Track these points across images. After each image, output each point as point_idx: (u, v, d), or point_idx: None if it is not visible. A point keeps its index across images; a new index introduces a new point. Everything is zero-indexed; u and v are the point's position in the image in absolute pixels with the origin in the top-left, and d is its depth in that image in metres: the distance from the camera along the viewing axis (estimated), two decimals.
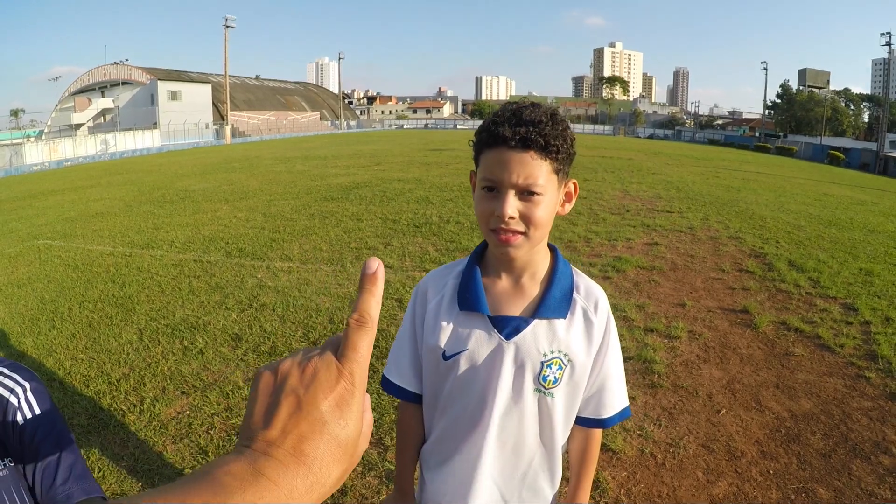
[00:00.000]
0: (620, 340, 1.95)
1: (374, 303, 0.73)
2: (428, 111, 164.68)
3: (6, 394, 1.72)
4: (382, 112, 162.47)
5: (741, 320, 7.41)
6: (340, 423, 0.66)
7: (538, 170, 1.64)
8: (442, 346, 1.87)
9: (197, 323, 8.07)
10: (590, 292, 1.90)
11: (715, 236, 11.85)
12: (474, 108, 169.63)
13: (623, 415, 1.96)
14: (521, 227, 1.67)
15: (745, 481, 4.41)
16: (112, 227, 16.04)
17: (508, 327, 1.80)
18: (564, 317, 1.82)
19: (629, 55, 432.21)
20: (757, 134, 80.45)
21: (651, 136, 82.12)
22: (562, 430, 1.91)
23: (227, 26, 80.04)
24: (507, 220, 1.65)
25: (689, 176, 21.42)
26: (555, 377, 1.80)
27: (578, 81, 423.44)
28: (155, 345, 7.49)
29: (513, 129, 1.63)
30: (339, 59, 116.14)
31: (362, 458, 4.80)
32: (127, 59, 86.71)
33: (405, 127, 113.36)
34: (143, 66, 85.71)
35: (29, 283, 10.95)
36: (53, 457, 1.69)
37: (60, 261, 12.46)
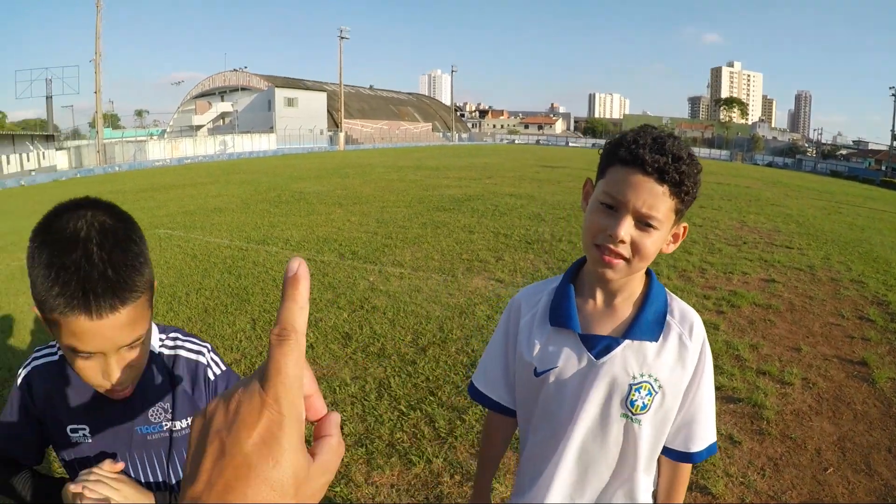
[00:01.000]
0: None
1: (297, 311, 0.63)
2: (539, 127, 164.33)
3: (196, 357, 1.78)
4: (494, 126, 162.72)
5: (858, 373, 6.88)
6: (269, 462, 0.56)
7: (663, 203, 1.59)
8: (534, 362, 1.83)
9: (308, 319, 7.97)
10: (685, 316, 1.80)
11: (836, 278, 11.12)
12: (587, 126, 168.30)
13: (711, 450, 1.84)
14: (627, 253, 1.62)
15: None
16: (229, 222, 16.48)
17: (598, 346, 1.74)
18: (656, 340, 1.73)
19: (748, 76, 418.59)
20: (883, 168, 75.78)
21: (770, 164, 79.32)
22: (645, 460, 1.79)
23: (342, 37, 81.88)
24: (617, 241, 1.60)
25: (810, 210, 20.59)
26: (643, 403, 1.71)
27: (694, 102, 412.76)
28: (267, 335, 7.50)
29: (653, 155, 1.56)
30: (452, 71, 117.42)
31: (460, 468, 4.72)
32: (246, 67, 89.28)
33: (516, 142, 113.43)
34: (260, 73, 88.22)
35: None
36: None
37: (179, 249, 12.85)
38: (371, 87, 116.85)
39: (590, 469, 1.78)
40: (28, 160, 50.11)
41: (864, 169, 73.57)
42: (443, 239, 13.25)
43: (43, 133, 56.81)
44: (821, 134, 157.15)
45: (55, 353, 1.67)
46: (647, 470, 1.80)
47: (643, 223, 1.60)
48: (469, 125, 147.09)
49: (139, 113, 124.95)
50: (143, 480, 1.69)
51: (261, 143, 69.22)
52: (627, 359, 1.71)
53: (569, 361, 1.76)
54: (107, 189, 29.26)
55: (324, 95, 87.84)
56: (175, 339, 1.79)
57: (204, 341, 1.86)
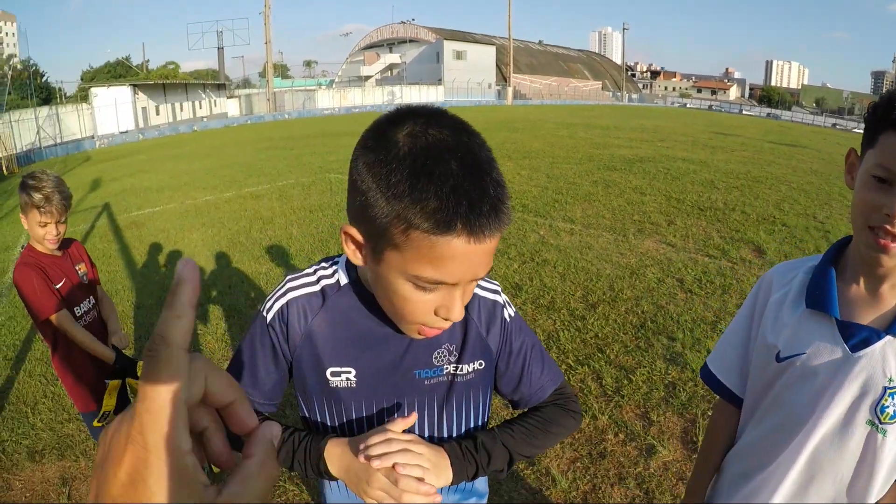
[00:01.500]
0: None
1: (172, 320, 0.51)
2: (713, 92, 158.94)
3: (493, 296, 1.60)
4: (665, 88, 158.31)
5: None
6: None
7: None
8: (778, 345, 1.61)
9: None
10: None
11: None
12: (762, 94, 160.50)
13: None
14: None
15: None
16: None
17: (856, 338, 1.47)
18: None
19: None
20: None
21: None
22: (882, 479, 1.49)
23: None
24: (886, 219, 1.35)
25: None
26: (895, 411, 1.43)
27: (878, 77, 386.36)
28: None
29: None
30: (624, 29, 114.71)
31: (625, 427, 4.52)
32: (413, 19, 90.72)
33: (688, 106, 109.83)
34: (429, 25, 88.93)
35: (320, 210, 11.73)
36: (532, 351, 1.63)
37: None
38: (540, 43, 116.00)
39: (816, 477, 1.55)
40: (200, 107, 52.91)
41: None
42: (614, 198, 12.90)
43: (214, 82, 59.55)
44: None
45: (315, 283, 1.47)
46: (876, 493, 1.50)
47: None
48: (640, 86, 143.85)
49: (308, 63, 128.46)
50: (420, 435, 1.50)
51: (428, 95, 70.08)
52: (887, 357, 1.44)
53: (819, 349, 1.52)
54: (277, 134, 30.35)
55: (492, 49, 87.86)
56: None
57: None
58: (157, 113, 47.02)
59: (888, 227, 1.35)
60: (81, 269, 3.47)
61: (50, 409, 5.10)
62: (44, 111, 36.37)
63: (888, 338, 1.43)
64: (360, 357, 1.43)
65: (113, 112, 40.38)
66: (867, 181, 1.41)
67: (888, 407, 1.42)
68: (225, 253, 9.11)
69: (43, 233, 3.18)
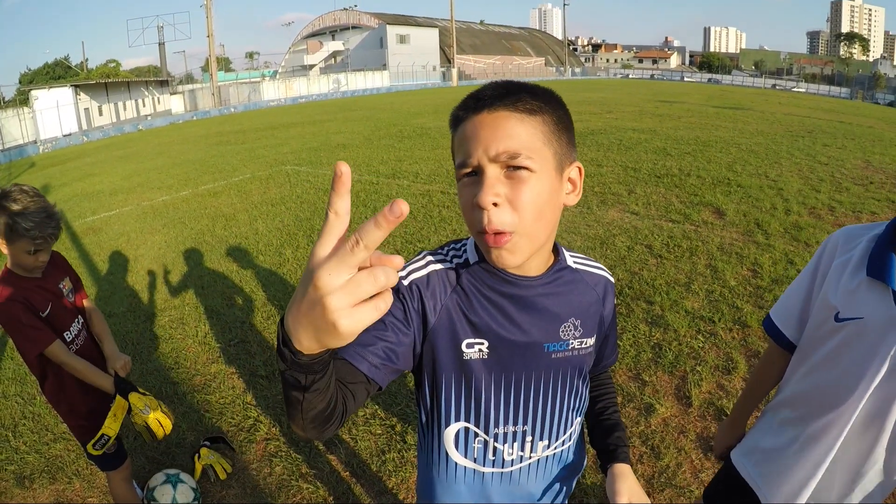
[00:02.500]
0: None
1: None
2: (654, 61, 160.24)
3: (602, 272, 1.71)
4: (607, 60, 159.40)
5: None
6: None
7: None
8: (838, 306, 1.73)
9: None
10: None
11: None
12: (702, 60, 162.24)
13: None
14: None
15: None
16: (355, 157, 16.67)
17: None
18: None
19: (870, 10, 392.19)
20: None
21: (892, 104, 74.63)
22: None
23: None
24: None
25: None
26: None
27: (814, 37, 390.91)
28: None
29: None
30: (564, 4, 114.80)
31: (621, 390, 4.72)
32: (356, 5, 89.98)
33: (630, 76, 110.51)
34: (371, 11, 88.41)
35: (282, 202, 11.62)
36: (614, 319, 1.78)
37: (310, 184, 13.08)
38: (482, 22, 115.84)
39: (874, 421, 1.67)
40: (144, 105, 52.16)
41: None
42: (579, 200, 12.90)
43: (157, 79, 58.73)
44: None
45: (450, 260, 1.54)
46: None
47: None
48: (582, 60, 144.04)
49: (250, 55, 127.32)
50: (541, 406, 1.62)
51: (374, 81, 69.81)
52: None
53: (876, 315, 1.63)
54: (226, 129, 30.06)
55: (435, 31, 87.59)
56: (574, 255, 1.68)
57: None
58: (101, 113, 46.04)
59: None
60: (66, 286, 3.18)
61: (32, 430, 4.91)
62: None
63: None
64: (492, 330, 1.48)
65: (55, 115, 39.44)
66: None
67: None
68: (192, 253, 8.99)
69: (32, 261, 2.88)
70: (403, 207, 0.71)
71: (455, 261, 1.54)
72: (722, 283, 6.73)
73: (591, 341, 1.63)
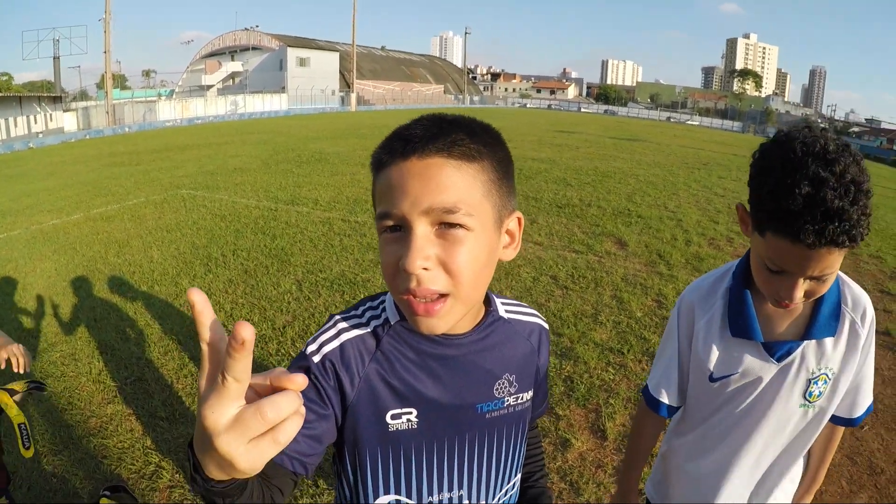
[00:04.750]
0: None
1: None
2: (552, 91, 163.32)
3: (535, 319, 1.61)
4: (506, 89, 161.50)
5: (883, 342, 6.82)
6: None
7: (835, 258, 1.46)
8: (711, 367, 1.85)
9: (356, 279, 8.10)
10: (857, 302, 1.76)
11: (855, 253, 10.88)
12: (599, 92, 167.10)
13: (868, 410, 1.91)
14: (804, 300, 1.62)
15: (883, 497, 4.34)
16: (253, 181, 16.36)
17: (780, 351, 1.74)
18: (833, 335, 1.73)
19: (763, 48, 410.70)
20: (895, 147, 75.57)
21: None
22: (817, 433, 1.87)
23: None
24: (793, 301, 1.57)
25: None
26: (819, 391, 1.76)
27: (709, 72, 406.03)
28: (316, 296, 7.56)
29: (815, 225, 1.37)
30: (466, 33, 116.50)
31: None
32: (257, 26, 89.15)
33: (528, 106, 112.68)
34: (272, 32, 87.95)
35: (178, 229, 11.26)
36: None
37: (206, 210, 12.73)
38: (383, 48, 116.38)
39: (766, 453, 1.88)
40: (35, 122, 50.29)
41: (875, 147, 72.42)
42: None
43: (50, 94, 57.02)
44: (834, 110, 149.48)
45: (366, 323, 1.37)
46: (811, 441, 1.89)
47: (819, 278, 1.55)
48: (481, 88, 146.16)
49: (147, 73, 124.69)
50: (476, 468, 1.47)
51: (272, 104, 69.21)
52: (807, 357, 1.74)
53: (750, 367, 1.78)
54: (119, 150, 29.28)
55: (336, 56, 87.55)
56: (506, 302, 1.56)
57: None
58: None
59: (787, 302, 1.58)
60: None
61: None
62: None
63: (805, 342, 1.72)
64: (420, 396, 1.35)
65: None
66: (762, 267, 1.59)
67: (814, 391, 1.75)
68: (83, 282, 8.57)
69: None
70: (245, 333, 0.67)
71: (373, 323, 1.38)
72: (628, 314, 6.84)
73: (527, 395, 1.52)
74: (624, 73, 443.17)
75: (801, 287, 1.52)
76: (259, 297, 7.58)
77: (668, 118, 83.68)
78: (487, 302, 1.47)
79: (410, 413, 1.35)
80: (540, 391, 1.65)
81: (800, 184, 1.37)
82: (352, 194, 14.03)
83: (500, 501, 1.57)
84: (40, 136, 46.91)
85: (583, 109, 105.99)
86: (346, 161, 20.24)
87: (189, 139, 33.34)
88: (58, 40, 62.09)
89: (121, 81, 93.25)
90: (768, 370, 1.76)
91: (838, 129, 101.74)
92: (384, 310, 1.40)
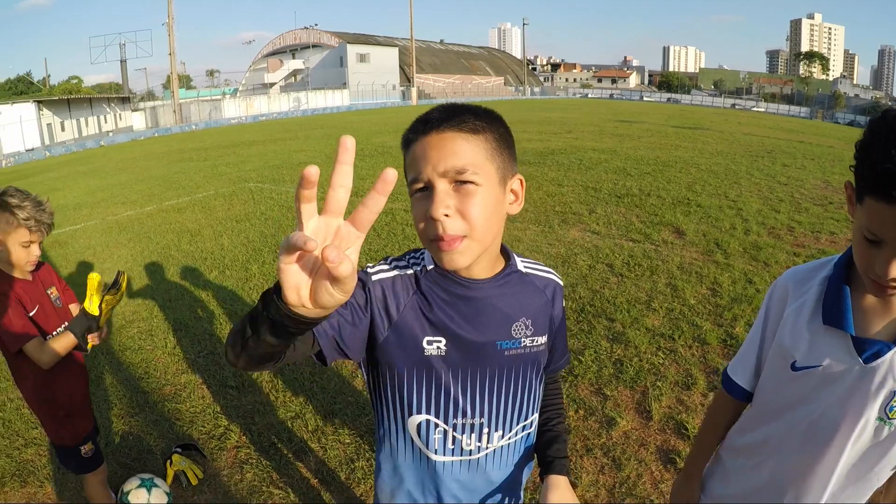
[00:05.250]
0: None
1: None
2: (613, 80, 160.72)
3: (550, 275, 1.87)
4: (566, 80, 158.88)
5: None
6: None
7: None
8: (795, 356, 1.75)
9: None
10: None
11: None
12: (662, 80, 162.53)
13: None
14: None
15: None
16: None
17: (870, 350, 1.60)
18: None
19: (829, 28, 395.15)
20: None
21: (851, 123, 75.02)
22: (887, 463, 1.69)
23: None
24: (888, 281, 1.46)
25: None
26: None
27: (773, 56, 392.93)
28: None
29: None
30: (524, 24, 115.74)
31: (583, 403, 4.85)
32: (316, 24, 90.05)
33: (589, 96, 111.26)
34: (331, 30, 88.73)
35: (247, 219, 11.69)
36: (563, 322, 1.94)
37: (273, 202, 13.16)
38: (441, 42, 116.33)
39: (839, 468, 1.71)
40: (106, 122, 51.67)
41: None
42: (534, 191, 13.15)
43: (118, 95, 58.30)
44: None
45: (409, 267, 1.68)
46: (885, 477, 1.73)
47: None
48: (541, 79, 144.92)
49: (210, 73, 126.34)
50: (496, 400, 1.75)
51: (334, 99, 69.86)
52: (895, 365, 1.58)
53: (835, 362, 1.66)
54: (187, 146, 29.92)
55: (395, 51, 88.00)
56: (525, 260, 1.83)
57: None
58: (63, 129, 45.59)
59: (883, 283, 1.48)
60: (53, 293, 3.28)
61: (2, 435, 4.95)
62: None
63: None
64: (449, 329, 1.62)
65: (18, 130, 39.23)
66: (860, 238, 1.50)
67: (895, 407, 1.59)
68: (158, 267, 9.01)
69: (26, 254, 2.98)
70: (348, 140, 0.90)
71: (415, 267, 1.68)
72: (682, 302, 6.91)
73: (542, 339, 1.78)
74: (686, 60, 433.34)
75: None
76: None
77: (733, 105, 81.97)
78: (507, 257, 1.75)
79: (440, 342, 1.64)
80: (558, 344, 1.93)
81: None
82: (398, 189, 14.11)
83: (518, 436, 1.85)
84: (110, 134, 48.10)
85: (645, 98, 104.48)
86: None
87: (254, 135, 34.01)
88: (124, 44, 63.66)
89: (186, 81, 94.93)
90: (852, 371, 1.63)
91: None
92: (423, 259, 1.69)
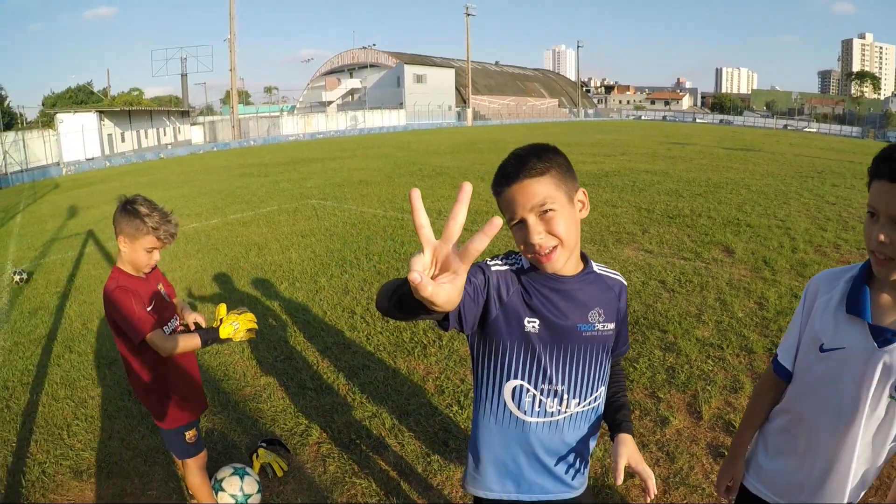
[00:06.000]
0: None
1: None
2: (666, 102, 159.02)
3: (617, 277, 2.37)
4: (619, 101, 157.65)
5: None
6: None
7: None
8: (822, 339, 2.14)
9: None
10: None
11: None
12: (714, 102, 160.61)
13: None
14: (890, 253, 1.86)
15: None
16: (378, 193, 17.28)
17: (883, 336, 1.96)
18: None
19: (881, 48, 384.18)
20: None
21: None
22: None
23: (469, 14, 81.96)
24: (877, 245, 1.87)
25: None
26: None
27: (825, 76, 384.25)
28: None
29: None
30: (578, 46, 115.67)
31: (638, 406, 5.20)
32: (374, 44, 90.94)
33: (643, 118, 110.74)
34: (389, 50, 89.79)
35: (312, 234, 12.15)
36: (626, 317, 2.44)
37: (337, 218, 13.64)
38: (497, 63, 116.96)
39: (859, 440, 2.07)
40: (165, 134, 52.69)
41: None
42: (589, 212, 13.24)
43: (178, 109, 59.32)
44: None
45: (513, 265, 2.19)
46: (889, 448, 2.10)
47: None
48: (595, 101, 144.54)
49: (268, 90, 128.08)
50: (575, 371, 2.21)
51: (390, 119, 70.53)
52: None
53: (855, 346, 2.04)
54: (247, 161, 30.58)
55: (451, 72, 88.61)
56: (600, 266, 2.34)
57: None
58: (123, 139, 46.99)
59: (873, 249, 1.91)
60: (162, 289, 3.62)
61: (86, 430, 5.24)
62: (10, 136, 36.35)
63: None
64: (542, 313, 2.13)
65: (79, 138, 40.42)
66: (867, 218, 1.95)
67: None
68: (228, 278, 9.44)
69: (147, 259, 3.38)
70: (467, 186, 1.20)
71: (516, 265, 2.18)
72: (730, 315, 7.18)
73: (611, 326, 2.25)
74: (739, 81, 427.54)
75: (887, 229, 1.83)
76: None
77: (785, 126, 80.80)
78: (586, 261, 2.25)
79: (535, 322, 2.13)
80: (622, 332, 2.38)
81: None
82: (474, 206, 14.33)
83: (590, 406, 2.29)
84: (170, 147, 49.06)
85: (697, 120, 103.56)
86: (466, 175, 21.04)
87: (313, 153, 34.72)
88: (185, 59, 64.58)
89: (244, 97, 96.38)
90: (870, 353, 1.99)
91: None
92: (521, 260, 2.20)
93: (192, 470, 3.84)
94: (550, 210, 1.98)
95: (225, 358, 6.53)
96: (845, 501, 2.17)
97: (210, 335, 3.51)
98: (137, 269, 3.44)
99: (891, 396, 1.98)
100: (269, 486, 4.39)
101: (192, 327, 3.68)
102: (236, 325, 3.55)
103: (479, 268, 2.12)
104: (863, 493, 2.22)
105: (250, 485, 4.09)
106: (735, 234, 11.05)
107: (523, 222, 2.01)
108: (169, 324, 3.54)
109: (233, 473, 4.10)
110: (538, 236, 1.98)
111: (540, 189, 1.98)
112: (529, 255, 2.08)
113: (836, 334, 2.10)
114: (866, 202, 1.95)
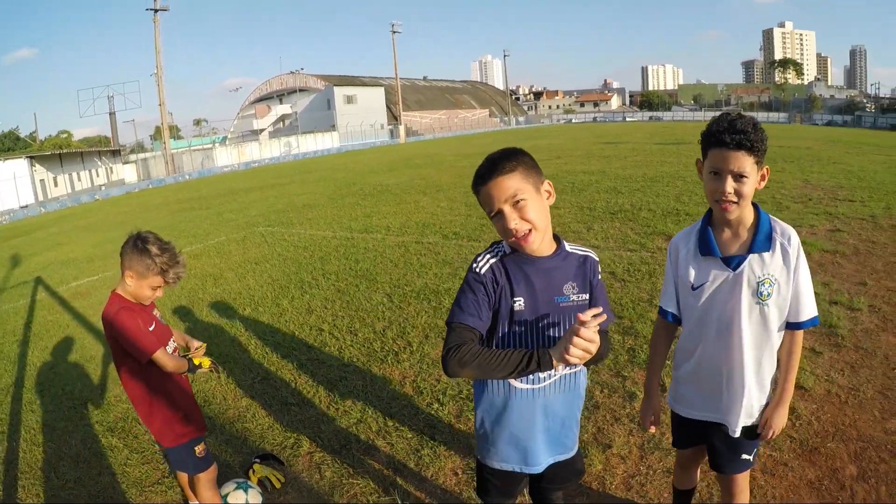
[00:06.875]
0: None
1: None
2: (595, 104, 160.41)
3: (587, 252, 2.75)
4: (549, 107, 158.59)
5: None
6: None
7: (746, 162, 2.52)
8: (691, 280, 2.85)
9: (438, 289, 8.97)
10: (784, 231, 2.70)
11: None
12: (642, 99, 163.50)
13: (813, 321, 2.75)
14: (735, 199, 2.58)
15: None
16: (324, 216, 17.44)
17: (734, 262, 2.72)
18: (769, 250, 2.67)
19: (801, 34, 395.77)
20: None
21: (829, 123, 75.94)
22: (775, 330, 2.76)
23: (395, 31, 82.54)
24: (726, 195, 2.57)
25: (871, 164, 20.08)
26: (767, 292, 2.68)
27: (749, 66, 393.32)
28: (406, 305, 8.44)
29: (730, 135, 2.51)
30: (505, 55, 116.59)
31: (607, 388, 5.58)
32: (302, 69, 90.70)
33: (573, 121, 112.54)
34: (317, 73, 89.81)
35: (265, 261, 12.25)
36: (602, 289, 2.79)
37: (287, 243, 13.75)
38: (425, 78, 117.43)
39: (750, 340, 2.79)
40: (98, 175, 51.95)
41: None
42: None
43: (108, 148, 58.58)
44: (878, 88, 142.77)
45: (497, 255, 2.61)
46: (777, 337, 2.80)
47: (739, 178, 2.54)
48: (525, 108, 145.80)
49: (198, 122, 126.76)
50: (557, 339, 2.50)
51: (324, 142, 70.51)
52: (753, 266, 2.68)
53: (716, 276, 2.77)
54: (185, 196, 30.35)
55: (381, 90, 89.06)
56: (571, 244, 2.75)
57: None
58: (56, 184, 46.39)
59: (723, 199, 2.61)
60: (157, 313, 3.82)
61: (74, 468, 5.28)
62: None
63: (750, 255, 2.69)
64: (525, 291, 2.57)
65: (11, 186, 39.79)
66: (708, 176, 2.67)
67: (763, 291, 2.69)
68: (188, 310, 9.46)
69: (150, 294, 3.59)
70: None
71: (500, 254, 2.61)
72: None
73: (585, 296, 2.66)
74: (665, 78, 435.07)
75: (730, 183, 2.54)
76: (356, 308, 8.49)
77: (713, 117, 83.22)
78: (559, 242, 2.67)
79: (520, 300, 2.56)
80: (599, 302, 2.68)
81: (722, 119, 2.61)
82: (420, 219, 15.01)
83: (574, 369, 2.74)
84: (103, 188, 48.34)
85: (627, 119, 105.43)
86: (407, 191, 21.32)
87: (250, 182, 34.66)
88: (112, 97, 63.58)
89: (175, 132, 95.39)
90: (728, 278, 2.72)
91: (885, 106, 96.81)
92: (502, 247, 2.64)
93: (204, 484, 4.00)
94: (522, 200, 2.41)
95: (201, 385, 6.59)
96: (748, 399, 2.84)
97: (190, 366, 3.84)
98: (138, 300, 3.62)
99: (757, 302, 2.71)
100: (270, 498, 4.55)
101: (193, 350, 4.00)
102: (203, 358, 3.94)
103: (478, 283, 2.55)
104: (766, 396, 2.92)
105: (255, 496, 4.30)
106: (675, 224, 11.65)
107: (500, 213, 2.43)
108: (168, 345, 3.73)
109: (237, 488, 4.30)
110: (514, 222, 2.40)
111: (511, 184, 2.41)
112: (511, 240, 2.49)
113: (699, 273, 2.83)
114: (705, 167, 2.69)
